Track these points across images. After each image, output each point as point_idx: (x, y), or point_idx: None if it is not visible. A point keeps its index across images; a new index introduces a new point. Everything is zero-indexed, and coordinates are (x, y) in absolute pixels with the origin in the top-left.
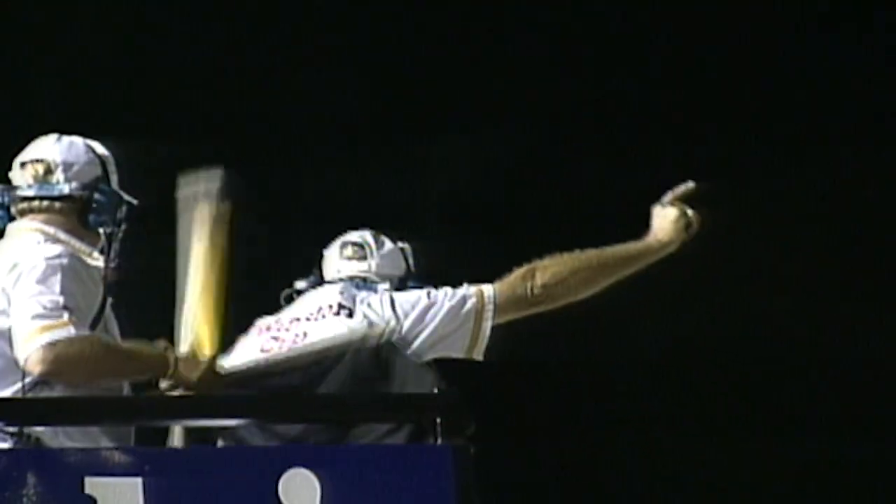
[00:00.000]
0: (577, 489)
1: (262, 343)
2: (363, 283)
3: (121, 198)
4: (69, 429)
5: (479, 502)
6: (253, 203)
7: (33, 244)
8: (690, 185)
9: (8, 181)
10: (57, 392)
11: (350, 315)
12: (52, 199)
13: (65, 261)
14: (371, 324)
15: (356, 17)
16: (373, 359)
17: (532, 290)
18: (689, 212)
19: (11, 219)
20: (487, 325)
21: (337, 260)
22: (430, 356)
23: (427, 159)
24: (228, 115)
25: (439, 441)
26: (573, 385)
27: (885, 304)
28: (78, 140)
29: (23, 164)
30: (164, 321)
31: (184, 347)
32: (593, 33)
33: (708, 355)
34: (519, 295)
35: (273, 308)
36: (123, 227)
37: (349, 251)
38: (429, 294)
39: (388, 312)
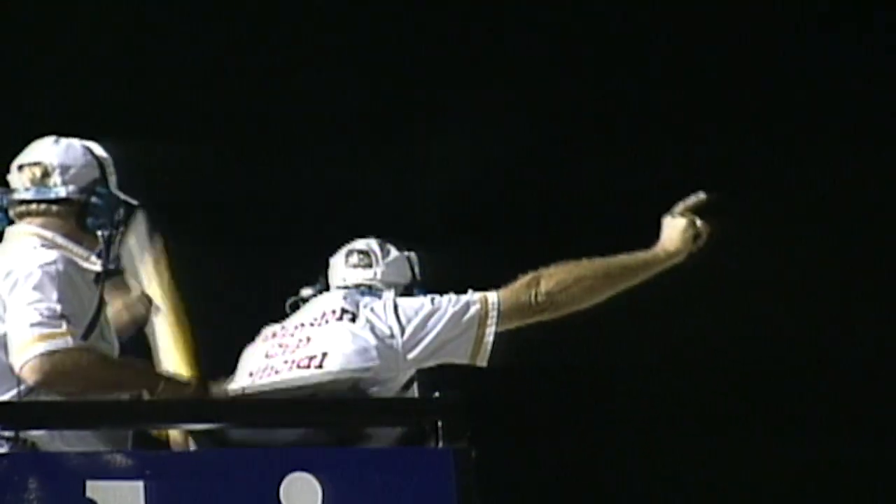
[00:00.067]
0: (577, 491)
1: (266, 349)
2: (368, 290)
3: (119, 200)
4: (66, 433)
5: None
6: (252, 203)
7: (29, 249)
8: (701, 195)
9: (7, 183)
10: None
11: (353, 320)
12: (50, 202)
13: (60, 267)
14: (373, 328)
15: (356, 17)
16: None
17: (536, 297)
18: (699, 222)
19: (10, 222)
20: (491, 332)
21: (342, 268)
22: (432, 362)
23: (427, 160)
24: (228, 115)
25: (440, 444)
26: (573, 387)
27: (885, 305)
28: (75, 142)
29: (20, 167)
30: None
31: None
32: (593, 33)
33: (707, 356)
34: (523, 302)
35: (276, 313)
36: (122, 229)
37: (355, 259)
38: (432, 300)
39: (391, 318)
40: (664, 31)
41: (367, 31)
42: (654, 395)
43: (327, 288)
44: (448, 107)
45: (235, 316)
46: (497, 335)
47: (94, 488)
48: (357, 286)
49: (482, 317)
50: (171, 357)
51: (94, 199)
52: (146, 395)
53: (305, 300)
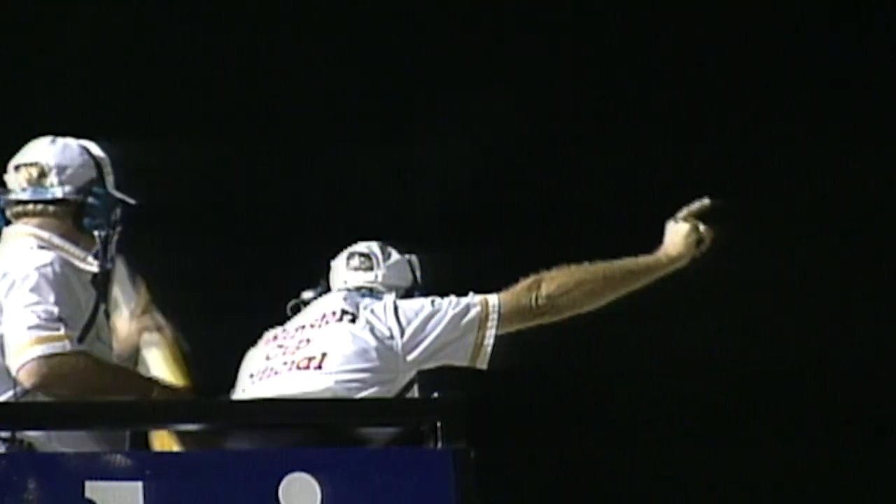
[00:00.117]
0: (577, 491)
1: (267, 352)
2: (369, 293)
3: (116, 200)
4: (62, 433)
5: None
6: (252, 203)
7: (26, 250)
8: (705, 201)
9: (3, 184)
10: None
11: (353, 321)
12: (46, 202)
13: (57, 268)
14: (373, 329)
15: (356, 17)
16: None
17: (537, 300)
18: (702, 228)
19: (7, 222)
20: (491, 335)
21: (344, 270)
22: (431, 364)
23: (427, 160)
24: (228, 116)
25: (439, 445)
26: (573, 388)
27: (885, 305)
28: (72, 142)
29: (17, 167)
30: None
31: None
32: (593, 33)
33: (707, 357)
34: (523, 305)
35: (276, 312)
36: (119, 228)
37: (356, 262)
38: (433, 302)
39: (391, 319)
40: (664, 31)
41: (367, 31)
42: (654, 395)
43: (328, 290)
44: (448, 107)
45: (235, 316)
46: (497, 338)
47: (92, 489)
48: (358, 289)
49: (482, 319)
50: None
51: (90, 200)
52: None
53: (306, 303)
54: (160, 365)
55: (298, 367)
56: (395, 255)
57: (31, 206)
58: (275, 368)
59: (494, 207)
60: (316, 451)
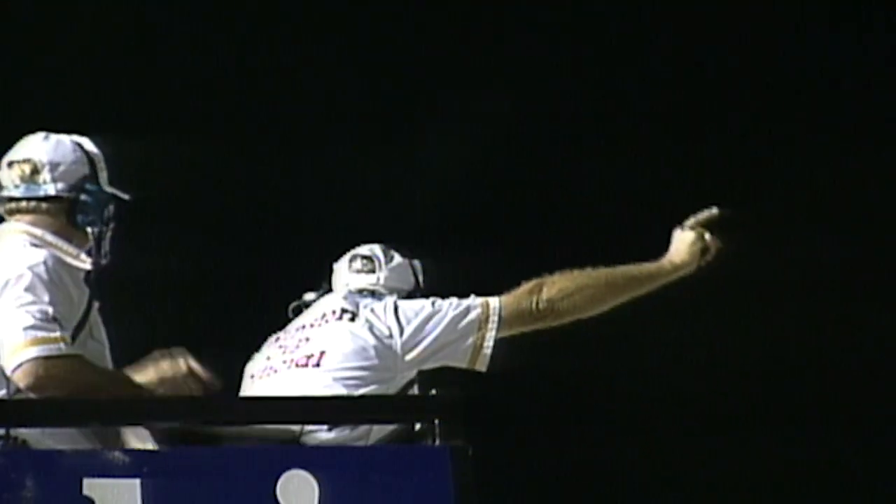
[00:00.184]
0: (576, 489)
1: (268, 352)
2: (371, 295)
3: (109, 196)
4: (56, 430)
5: (477, 503)
6: (252, 203)
7: (18, 248)
8: (713, 211)
9: None
10: None
11: (352, 319)
12: (39, 199)
13: (49, 266)
14: (372, 328)
15: (356, 17)
16: None
17: (537, 304)
18: (708, 237)
19: (0, 219)
20: (491, 337)
21: (346, 273)
22: (430, 364)
23: (427, 160)
24: (228, 116)
25: (437, 442)
26: (573, 386)
27: (885, 305)
28: (65, 138)
29: (10, 164)
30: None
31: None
32: (593, 33)
33: (708, 357)
34: (524, 308)
35: (278, 312)
36: (112, 225)
37: (358, 264)
38: (433, 303)
39: (391, 318)
40: (664, 31)
41: (367, 31)
42: (654, 394)
43: (330, 292)
44: (448, 107)
45: (234, 316)
46: (497, 341)
47: (90, 486)
48: (360, 291)
49: (482, 321)
50: None
51: (83, 197)
52: None
53: (308, 304)
54: None
55: (297, 365)
56: (397, 258)
57: (23, 203)
58: (274, 367)
59: (494, 207)
60: (314, 448)
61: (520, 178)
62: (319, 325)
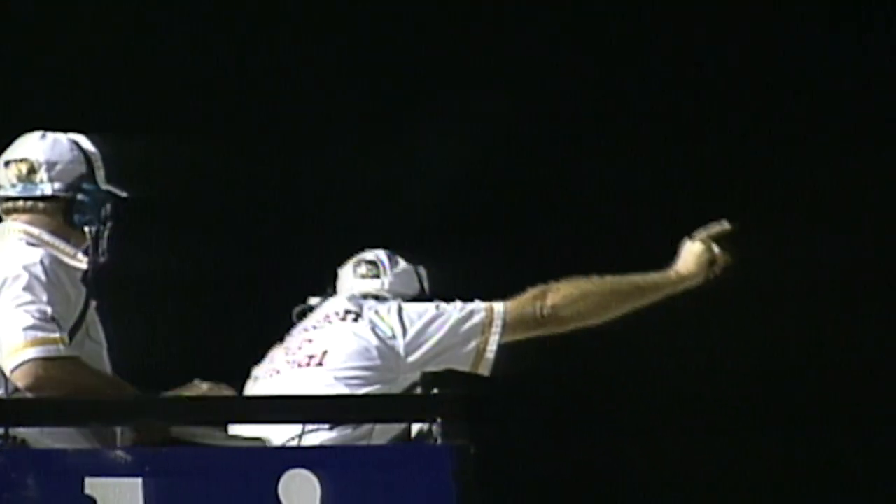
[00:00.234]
0: (579, 488)
1: (272, 356)
2: (375, 299)
3: (106, 195)
4: (54, 430)
5: (479, 502)
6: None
7: (15, 248)
8: (724, 224)
9: None
10: None
11: (356, 319)
12: (36, 199)
13: (46, 266)
14: (375, 328)
15: (356, 17)
16: None
17: (541, 310)
18: (716, 249)
19: None
20: (494, 342)
21: (351, 278)
22: (433, 367)
23: (427, 160)
24: (228, 116)
25: (440, 441)
26: (576, 385)
27: (885, 305)
28: (62, 137)
29: (7, 164)
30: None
31: None
32: (593, 33)
33: (709, 358)
34: (528, 314)
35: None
36: (110, 224)
37: (363, 269)
38: (437, 306)
39: (395, 320)
40: (664, 31)
41: (367, 31)
42: (656, 395)
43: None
44: (448, 107)
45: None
46: (500, 346)
47: (92, 485)
48: (364, 296)
49: (486, 325)
50: None
51: (80, 196)
52: None
53: (312, 308)
54: None
55: (299, 365)
56: (402, 264)
57: (21, 203)
58: (277, 368)
59: (494, 207)
60: (316, 447)
61: (520, 178)
62: (323, 326)
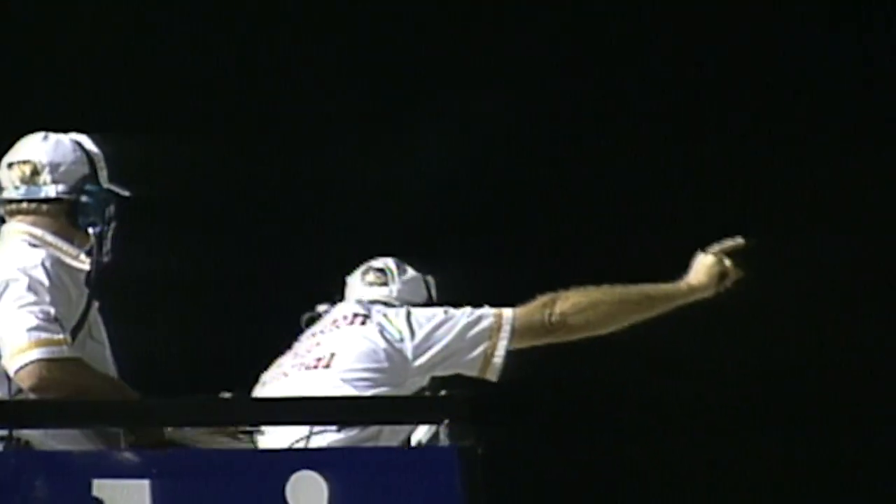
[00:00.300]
0: (585, 490)
1: (280, 361)
2: (384, 306)
3: (109, 196)
4: (58, 431)
5: (486, 503)
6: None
7: (17, 250)
8: (739, 240)
9: None
10: None
11: (364, 323)
12: (40, 201)
13: (47, 267)
14: (383, 331)
15: (356, 17)
16: None
17: (550, 317)
18: (727, 262)
19: (1, 220)
20: (502, 347)
21: (359, 285)
22: (439, 371)
23: (427, 159)
24: (228, 116)
25: (446, 443)
26: (582, 387)
27: (885, 304)
28: (64, 138)
29: (10, 165)
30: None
31: None
32: (593, 33)
33: (711, 358)
34: (536, 321)
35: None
36: (113, 224)
37: (371, 277)
38: (446, 311)
39: (403, 323)
40: (664, 31)
41: (367, 31)
42: (660, 397)
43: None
44: (448, 107)
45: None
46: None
47: (100, 487)
48: (373, 303)
49: (494, 330)
50: None
51: (84, 198)
52: None
53: (321, 315)
54: None
55: (307, 368)
56: (410, 272)
57: (24, 205)
58: (285, 371)
59: (494, 207)
60: (323, 449)
61: (520, 178)
62: (331, 330)
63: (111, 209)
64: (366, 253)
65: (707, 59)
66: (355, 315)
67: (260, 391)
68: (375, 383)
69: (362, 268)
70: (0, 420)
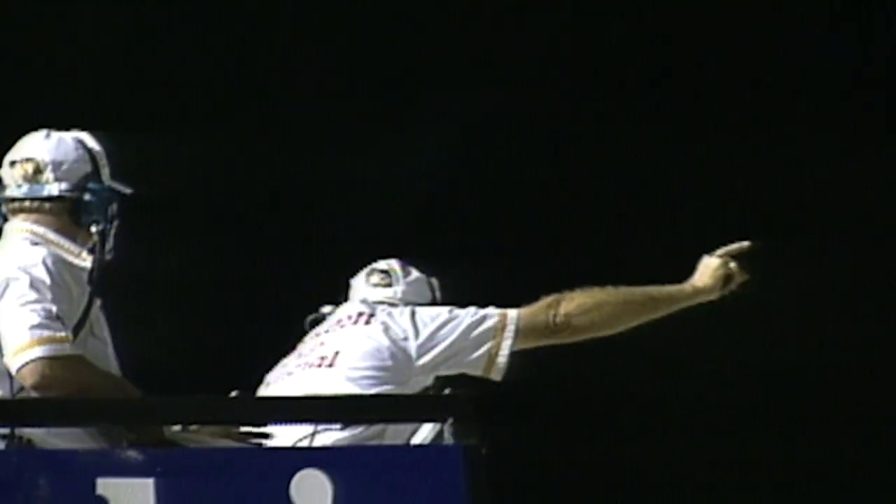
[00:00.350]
0: (591, 489)
1: (285, 362)
2: (388, 306)
3: (112, 193)
4: (61, 430)
5: (490, 502)
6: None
7: (19, 248)
8: (744, 244)
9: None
10: None
11: (368, 322)
12: (42, 199)
13: (49, 265)
14: (387, 329)
15: (356, 17)
16: None
17: (555, 318)
18: (732, 265)
19: (5, 218)
20: (507, 346)
21: (363, 287)
22: (444, 370)
23: (426, 159)
24: (228, 116)
25: (451, 442)
26: (584, 389)
27: (885, 305)
28: (67, 136)
29: (12, 163)
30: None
31: None
32: (593, 33)
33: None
34: (541, 321)
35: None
36: (116, 222)
37: (375, 278)
38: (451, 310)
39: (407, 322)
40: (664, 31)
41: (367, 31)
42: (664, 396)
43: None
44: (448, 107)
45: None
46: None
47: (104, 485)
48: (377, 304)
49: (498, 329)
50: None
51: (87, 197)
52: None
53: (325, 317)
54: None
55: (311, 366)
56: (414, 273)
57: (27, 203)
58: (289, 371)
59: (494, 207)
60: (328, 447)
61: (520, 178)
62: (335, 330)
63: (114, 207)
64: (365, 253)
65: (707, 59)
66: (360, 314)
67: (264, 391)
68: (379, 381)
69: (366, 269)
70: (2, 418)
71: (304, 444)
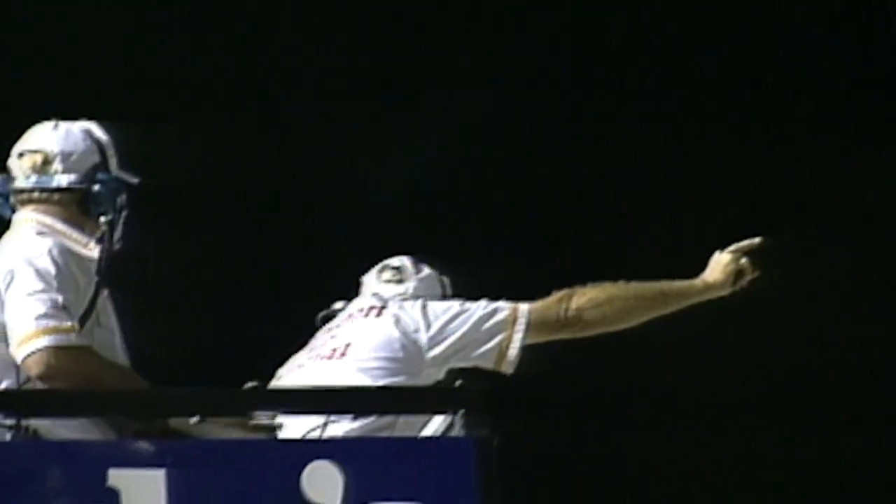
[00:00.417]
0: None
1: (296, 356)
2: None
3: (120, 184)
4: (67, 420)
5: (501, 494)
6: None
7: (26, 238)
8: (755, 241)
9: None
10: None
11: (379, 314)
12: (51, 190)
13: (55, 255)
14: (399, 321)
15: (356, 17)
16: None
17: (566, 312)
18: (744, 261)
19: (12, 208)
20: (518, 339)
21: (375, 283)
22: (455, 363)
23: (426, 159)
24: (228, 116)
25: (462, 433)
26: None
27: (885, 305)
28: (74, 127)
29: (21, 154)
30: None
31: None
32: (593, 33)
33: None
34: (552, 315)
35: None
36: (124, 213)
37: (387, 274)
38: (462, 303)
39: (418, 314)
40: (664, 31)
41: (367, 31)
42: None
43: None
44: (447, 106)
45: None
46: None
47: (115, 476)
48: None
49: (509, 322)
50: None
51: (95, 187)
52: None
53: (336, 313)
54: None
55: (322, 358)
56: (426, 270)
57: (35, 194)
58: (300, 363)
59: (494, 207)
60: (339, 439)
61: (519, 178)
62: (347, 323)
63: (122, 198)
64: (365, 252)
65: (707, 59)
66: (371, 307)
67: (275, 385)
68: (391, 373)
69: (378, 266)
70: (8, 409)
71: (315, 435)
